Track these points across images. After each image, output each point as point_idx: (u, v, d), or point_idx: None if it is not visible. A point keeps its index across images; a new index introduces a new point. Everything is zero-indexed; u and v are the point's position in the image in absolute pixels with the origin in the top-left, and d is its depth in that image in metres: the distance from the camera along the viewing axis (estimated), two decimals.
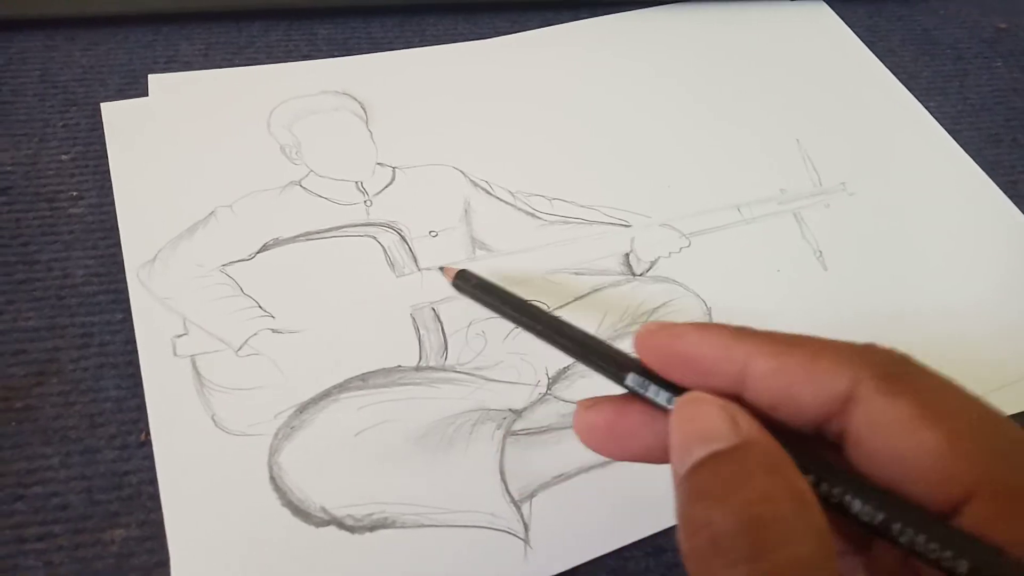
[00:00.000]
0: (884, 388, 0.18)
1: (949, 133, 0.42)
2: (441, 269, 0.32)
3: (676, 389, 0.20)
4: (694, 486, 0.18)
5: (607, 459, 0.28)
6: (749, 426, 0.18)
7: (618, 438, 0.21)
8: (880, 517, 0.18)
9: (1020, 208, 0.39)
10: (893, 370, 0.18)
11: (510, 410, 0.29)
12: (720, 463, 0.18)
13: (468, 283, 0.28)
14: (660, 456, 0.21)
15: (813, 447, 0.19)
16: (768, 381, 0.19)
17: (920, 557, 0.17)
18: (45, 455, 0.28)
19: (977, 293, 0.35)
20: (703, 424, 0.19)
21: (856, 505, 0.18)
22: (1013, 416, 0.31)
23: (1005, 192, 0.39)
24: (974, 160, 0.40)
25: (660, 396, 0.20)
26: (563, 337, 0.24)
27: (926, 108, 0.43)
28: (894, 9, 0.49)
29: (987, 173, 0.40)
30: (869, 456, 0.18)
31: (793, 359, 0.19)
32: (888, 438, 0.18)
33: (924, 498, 0.18)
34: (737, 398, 0.19)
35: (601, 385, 0.30)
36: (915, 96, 0.43)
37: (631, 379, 0.21)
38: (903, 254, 0.36)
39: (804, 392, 0.19)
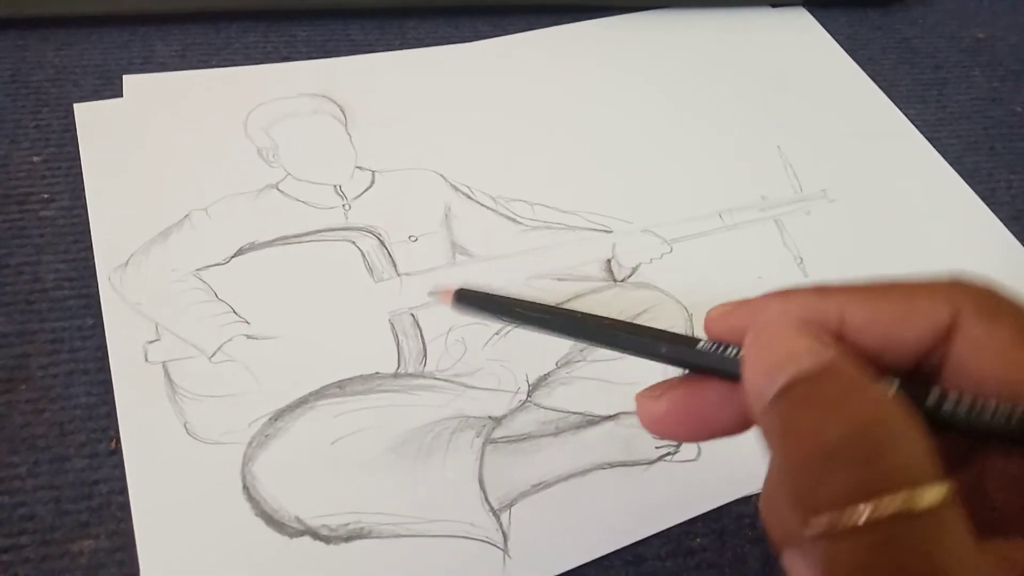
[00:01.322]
0: (985, 313, 0.19)
1: (928, 141, 0.42)
2: (432, 294, 0.30)
3: None
4: (795, 400, 0.18)
5: (587, 468, 0.28)
6: (833, 343, 0.19)
7: (694, 419, 0.21)
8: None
9: (998, 215, 0.39)
10: (990, 298, 0.19)
11: (490, 418, 0.29)
12: (818, 380, 0.18)
13: (471, 303, 0.26)
14: (735, 427, 0.21)
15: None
16: (867, 329, 0.19)
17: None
18: (12, 464, 0.27)
19: None
20: (787, 346, 0.18)
21: (962, 410, 0.18)
22: None
23: (983, 199, 0.39)
24: (953, 167, 0.41)
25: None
26: (619, 336, 0.23)
27: (906, 116, 0.43)
28: (875, 18, 0.49)
29: (966, 180, 0.40)
30: (971, 380, 0.19)
31: (888, 302, 0.19)
32: (992, 360, 0.18)
33: None
34: None
35: (589, 391, 0.30)
36: (895, 104, 0.43)
37: (704, 344, 0.20)
38: (882, 260, 0.36)
39: (906, 332, 0.19)
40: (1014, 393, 0.18)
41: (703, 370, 0.21)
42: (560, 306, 0.25)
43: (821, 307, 0.20)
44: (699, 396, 0.21)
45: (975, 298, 0.19)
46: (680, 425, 0.21)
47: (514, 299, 0.26)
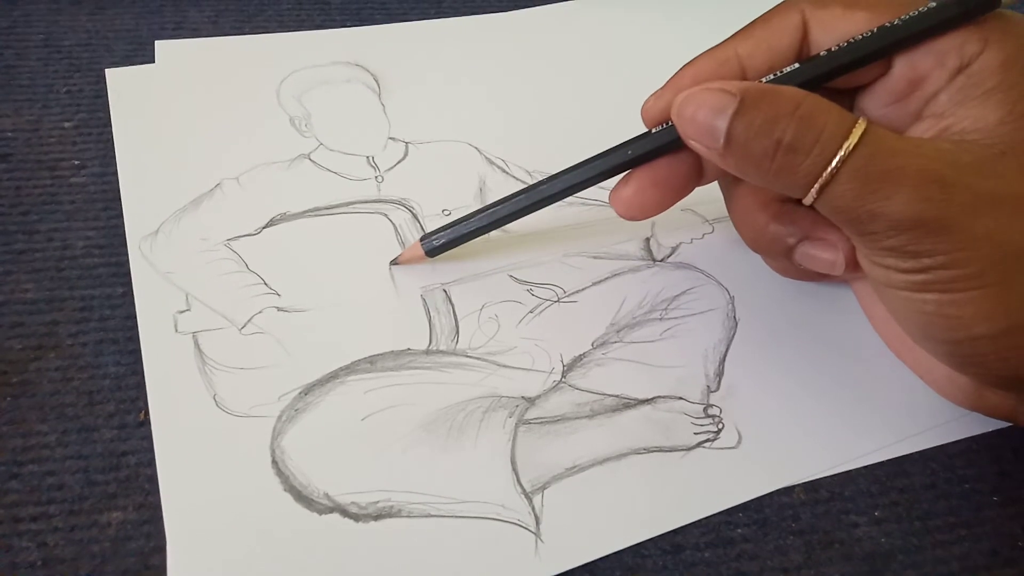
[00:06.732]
0: (820, 3, 0.25)
1: None
2: (394, 263, 0.31)
3: None
4: (743, 134, 0.23)
5: (622, 452, 0.27)
6: (737, 80, 0.25)
7: (657, 190, 0.27)
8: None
9: None
10: None
11: (523, 398, 0.28)
12: (746, 111, 0.23)
13: (437, 242, 0.30)
14: (688, 186, 0.28)
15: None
16: (757, 54, 0.26)
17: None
18: (41, 432, 0.27)
19: None
20: (711, 102, 0.23)
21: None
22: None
23: None
24: None
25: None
26: (590, 167, 0.28)
27: None
28: None
29: None
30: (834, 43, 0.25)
31: (762, 29, 0.26)
32: (838, 25, 0.25)
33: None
34: None
35: (626, 373, 0.29)
36: None
37: (655, 129, 0.27)
38: None
39: (780, 42, 0.26)
40: (862, 31, 0.24)
41: (662, 150, 0.26)
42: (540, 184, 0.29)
43: (720, 57, 0.26)
44: (655, 172, 0.27)
45: (810, 1, 0.25)
46: (646, 199, 0.27)
47: (474, 212, 0.30)
